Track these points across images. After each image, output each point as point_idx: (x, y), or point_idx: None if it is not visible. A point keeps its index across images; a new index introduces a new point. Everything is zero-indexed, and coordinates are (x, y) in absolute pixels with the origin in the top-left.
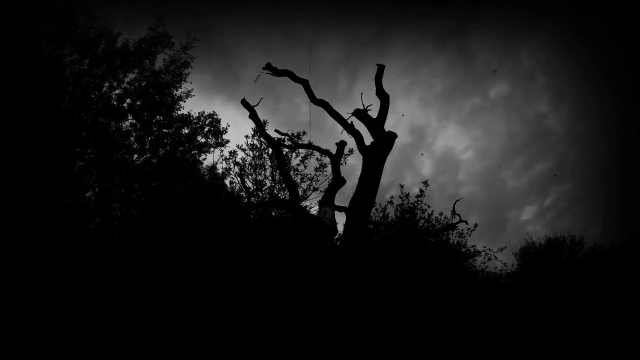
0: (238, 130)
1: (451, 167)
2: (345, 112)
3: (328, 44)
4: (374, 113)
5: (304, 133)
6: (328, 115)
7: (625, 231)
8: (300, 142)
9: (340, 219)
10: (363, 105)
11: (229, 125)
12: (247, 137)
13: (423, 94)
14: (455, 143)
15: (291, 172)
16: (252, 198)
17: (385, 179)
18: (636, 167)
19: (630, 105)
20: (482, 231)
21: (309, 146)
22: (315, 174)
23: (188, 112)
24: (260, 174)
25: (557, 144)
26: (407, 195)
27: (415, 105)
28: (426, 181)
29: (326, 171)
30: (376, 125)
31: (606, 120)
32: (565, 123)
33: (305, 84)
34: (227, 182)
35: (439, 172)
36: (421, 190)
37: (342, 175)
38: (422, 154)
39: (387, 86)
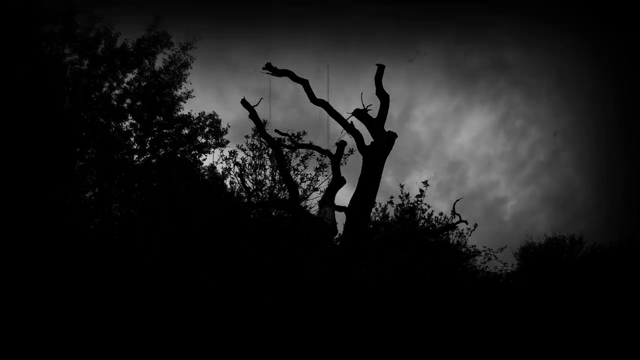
0: (238, 130)
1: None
2: (345, 112)
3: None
4: (373, 113)
5: (304, 133)
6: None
7: (625, 231)
8: (301, 142)
9: (341, 219)
10: (363, 105)
11: (229, 126)
12: (247, 137)
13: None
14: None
15: (291, 172)
16: (252, 198)
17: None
18: (636, 167)
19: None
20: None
21: (309, 146)
22: (315, 174)
23: (188, 113)
24: (260, 174)
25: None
26: (407, 195)
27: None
28: (426, 181)
29: (326, 171)
30: (376, 125)
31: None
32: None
33: (305, 84)
34: (227, 182)
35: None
36: (421, 190)
37: (342, 175)
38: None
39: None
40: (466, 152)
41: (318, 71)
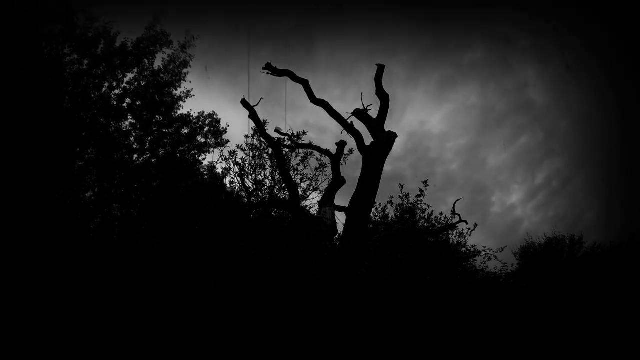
0: (238, 130)
1: (422, 144)
2: (345, 112)
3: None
4: (373, 113)
5: (304, 133)
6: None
7: (625, 231)
8: (300, 142)
9: (341, 219)
10: (363, 105)
11: (228, 126)
12: (247, 137)
13: (388, 61)
14: (425, 117)
15: (291, 172)
16: (252, 198)
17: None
18: (636, 166)
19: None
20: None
21: (309, 146)
22: (315, 174)
23: (188, 112)
24: (260, 174)
25: (543, 116)
26: (407, 195)
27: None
28: (426, 181)
29: (326, 171)
30: (376, 125)
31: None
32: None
33: (305, 83)
34: (227, 182)
35: (408, 150)
36: (421, 190)
37: (342, 175)
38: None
39: (348, 54)
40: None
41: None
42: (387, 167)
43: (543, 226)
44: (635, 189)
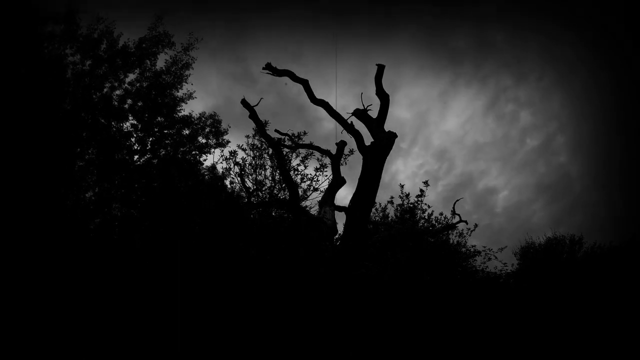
0: (238, 130)
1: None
2: (345, 112)
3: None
4: (373, 113)
5: (305, 133)
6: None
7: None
8: (301, 142)
9: (341, 219)
10: (363, 105)
11: (229, 126)
12: (247, 137)
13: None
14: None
15: (291, 172)
16: (252, 198)
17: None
18: (637, 165)
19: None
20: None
21: (309, 146)
22: (315, 174)
23: (189, 113)
24: (260, 174)
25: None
26: (407, 195)
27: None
28: (427, 181)
29: (326, 171)
30: (376, 125)
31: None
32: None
33: (305, 83)
34: (227, 182)
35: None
36: (421, 190)
37: (342, 175)
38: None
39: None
40: (453, 138)
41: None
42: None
43: (545, 228)
44: (635, 190)
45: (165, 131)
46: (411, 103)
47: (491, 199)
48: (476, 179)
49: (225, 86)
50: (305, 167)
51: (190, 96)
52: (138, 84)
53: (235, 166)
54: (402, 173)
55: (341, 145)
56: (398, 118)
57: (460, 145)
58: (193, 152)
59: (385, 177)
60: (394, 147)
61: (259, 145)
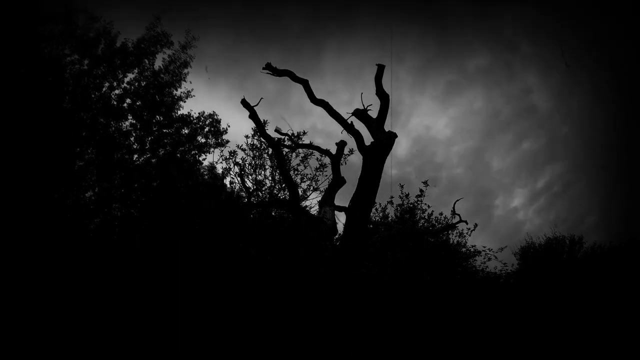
0: (238, 130)
1: (428, 148)
2: (345, 112)
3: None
4: (373, 113)
5: (304, 133)
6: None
7: (626, 231)
8: (301, 142)
9: (341, 219)
10: (363, 105)
11: (229, 126)
12: (247, 137)
13: (394, 68)
14: (431, 122)
15: (291, 172)
16: (252, 198)
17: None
18: (637, 166)
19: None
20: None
21: (309, 146)
22: (315, 174)
23: (188, 112)
24: (260, 174)
25: (546, 120)
26: (407, 195)
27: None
28: (426, 181)
29: (326, 171)
30: (376, 125)
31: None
32: (554, 98)
33: (305, 83)
34: (227, 182)
35: (414, 155)
36: (421, 190)
37: (342, 175)
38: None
39: (352, 58)
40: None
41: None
42: (393, 170)
43: (544, 228)
44: (634, 190)
45: (164, 130)
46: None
47: (493, 201)
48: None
49: (227, 87)
50: (305, 167)
51: (188, 94)
52: (137, 83)
53: (235, 166)
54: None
55: (341, 145)
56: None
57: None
58: (192, 152)
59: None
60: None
61: (259, 145)
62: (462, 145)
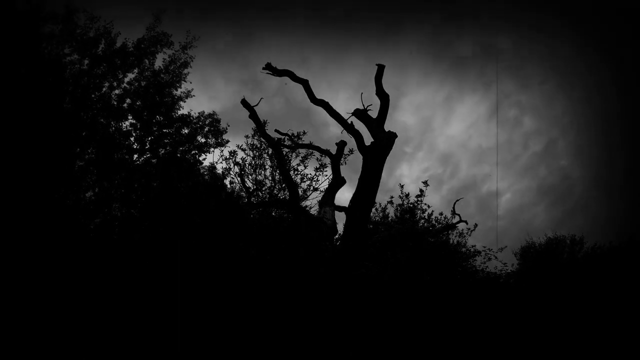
0: (238, 130)
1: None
2: (345, 112)
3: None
4: (373, 113)
5: (304, 133)
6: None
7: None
8: (301, 142)
9: (341, 219)
10: (363, 105)
11: (228, 125)
12: (247, 137)
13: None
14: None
15: (291, 172)
16: (252, 198)
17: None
18: (637, 165)
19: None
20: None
21: (309, 146)
22: (315, 174)
23: (188, 112)
24: (260, 174)
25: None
26: (407, 195)
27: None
28: (426, 181)
29: (326, 171)
30: (376, 125)
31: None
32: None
33: (305, 83)
34: (227, 182)
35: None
36: (421, 190)
37: (342, 175)
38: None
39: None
40: (458, 143)
41: (304, 61)
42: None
43: (543, 225)
44: (635, 190)
45: (165, 130)
46: (416, 108)
47: (494, 202)
48: (480, 182)
49: (228, 87)
50: (305, 167)
51: (188, 94)
52: (137, 83)
53: (235, 166)
54: (407, 177)
55: (341, 145)
56: (403, 123)
57: (464, 149)
58: (192, 152)
59: (389, 180)
60: (400, 151)
61: (259, 145)
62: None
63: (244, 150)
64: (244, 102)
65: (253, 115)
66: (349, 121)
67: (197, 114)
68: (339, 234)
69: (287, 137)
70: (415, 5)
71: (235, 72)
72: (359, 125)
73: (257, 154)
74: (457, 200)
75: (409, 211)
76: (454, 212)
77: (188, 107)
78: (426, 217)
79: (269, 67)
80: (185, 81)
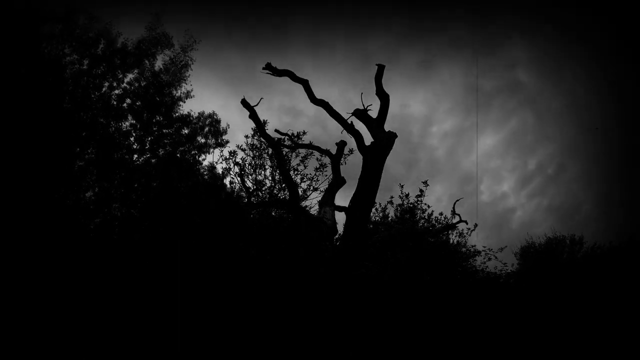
0: (238, 130)
1: (405, 129)
2: (345, 112)
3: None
4: (373, 113)
5: (304, 133)
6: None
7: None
8: (300, 142)
9: (341, 219)
10: (363, 105)
11: (228, 126)
12: (247, 137)
13: (363, 45)
14: (406, 100)
15: (291, 172)
16: (252, 198)
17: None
18: (637, 166)
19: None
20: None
21: (309, 146)
22: (315, 174)
23: (188, 112)
24: (260, 174)
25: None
26: (407, 195)
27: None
28: (426, 181)
29: (326, 171)
30: (376, 125)
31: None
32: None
33: (305, 83)
34: (227, 182)
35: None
36: (421, 190)
37: (342, 175)
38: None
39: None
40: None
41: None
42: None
43: (536, 215)
44: (634, 189)
45: (164, 130)
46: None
47: (494, 202)
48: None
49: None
50: (305, 167)
51: (188, 95)
52: (137, 84)
53: (235, 166)
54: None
55: (341, 145)
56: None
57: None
58: (192, 152)
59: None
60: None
61: (259, 145)
62: (442, 126)
63: (243, 150)
64: (244, 102)
65: (253, 115)
66: (349, 121)
67: (197, 114)
68: (339, 234)
69: (287, 137)
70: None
71: (235, 72)
72: (359, 126)
73: (257, 154)
74: (457, 200)
75: (409, 211)
76: (453, 212)
77: (188, 107)
78: (426, 217)
79: (268, 67)
80: (186, 82)
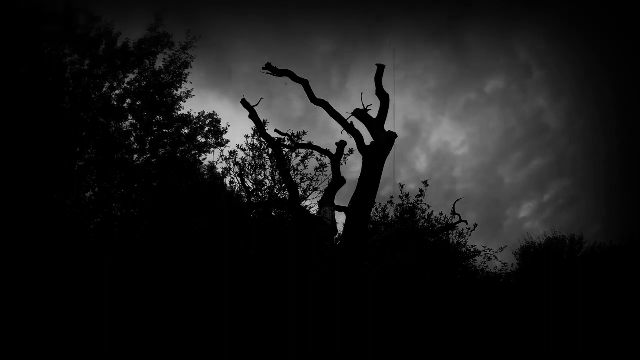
0: (238, 130)
1: (447, 164)
2: (345, 112)
3: (323, 37)
4: (373, 113)
5: (304, 133)
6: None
7: (625, 230)
8: (300, 142)
9: (340, 219)
10: (363, 105)
11: (229, 125)
12: (247, 137)
13: (417, 89)
14: (450, 139)
15: (291, 172)
16: (252, 198)
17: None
18: (637, 166)
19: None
20: (480, 229)
21: (309, 146)
22: (315, 174)
23: (188, 112)
24: (260, 174)
25: (556, 140)
26: (407, 195)
27: (409, 100)
28: (426, 181)
29: (326, 171)
30: (376, 125)
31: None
32: (564, 119)
33: (305, 83)
34: (227, 182)
35: (434, 169)
36: (421, 190)
37: (342, 175)
38: None
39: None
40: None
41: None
42: (412, 185)
43: (537, 215)
44: (634, 190)
45: (165, 130)
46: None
47: (503, 212)
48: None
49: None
50: (305, 167)
51: (188, 94)
52: (137, 84)
53: (235, 166)
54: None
55: (341, 145)
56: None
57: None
58: (192, 152)
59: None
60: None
61: (259, 145)
62: (476, 161)
63: (244, 150)
64: (244, 102)
65: (253, 115)
66: (349, 121)
67: (197, 114)
68: (339, 234)
69: (287, 137)
70: None
71: (235, 72)
72: (359, 126)
73: (257, 154)
74: (457, 200)
75: (409, 211)
76: (453, 212)
77: (188, 107)
78: (426, 217)
79: (269, 67)
80: (186, 81)
